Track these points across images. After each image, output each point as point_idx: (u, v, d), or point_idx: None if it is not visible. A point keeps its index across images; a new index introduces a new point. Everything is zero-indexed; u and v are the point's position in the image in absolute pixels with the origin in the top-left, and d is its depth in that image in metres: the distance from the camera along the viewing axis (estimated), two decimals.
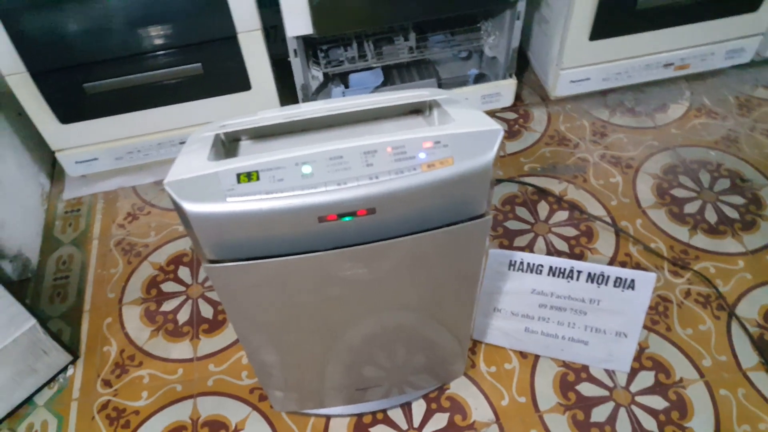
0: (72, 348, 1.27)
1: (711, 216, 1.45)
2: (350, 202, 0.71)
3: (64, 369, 1.26)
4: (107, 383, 1.24)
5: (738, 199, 1.48)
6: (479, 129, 0.74)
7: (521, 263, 1.17)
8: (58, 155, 1.52)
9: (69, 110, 1.41)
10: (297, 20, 1.30)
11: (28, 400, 1.22)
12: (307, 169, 0.71)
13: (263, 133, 0.86)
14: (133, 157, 1.55)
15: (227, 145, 0.85)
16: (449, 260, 0.85)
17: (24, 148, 1.55)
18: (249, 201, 0.70)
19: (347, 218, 0.72)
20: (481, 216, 0.79)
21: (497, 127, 0.74)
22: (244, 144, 0.86)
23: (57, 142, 1.49)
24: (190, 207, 0.69)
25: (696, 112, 1.71)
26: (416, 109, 0.89)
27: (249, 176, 0.71)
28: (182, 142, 1.54)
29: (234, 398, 1.20)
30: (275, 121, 0.82)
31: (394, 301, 0.90)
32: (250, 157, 0.72)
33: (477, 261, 0.88)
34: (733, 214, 1.45)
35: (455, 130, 0.74)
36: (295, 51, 1.40)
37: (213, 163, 0.73)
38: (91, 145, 1.51)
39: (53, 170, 1.68)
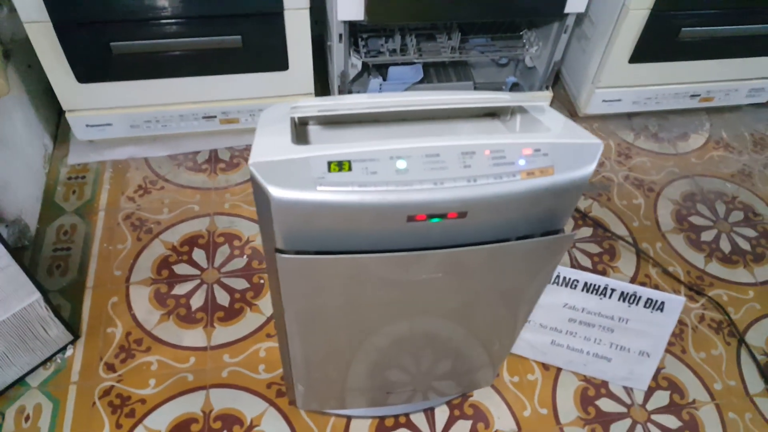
0: (73, 327, 1.18)
1: (725, 246, 1.47)
2: (445, 203, 0.67)
3: (63, 349, 1.17)
4: (110, 367, 1.16)
5: (750, 232, 1.51)
6: (580, 141, 0.71)
7: (557, 277, 1.16)
8: (68, 116, 1.41)
9: (89, 69, 1.31)
10: (350, 4, 1.25)
11: (20, 381, 1.13)
12: (401, 164, 0.66)
13: (333, 120, 0.81)
14: (150, 127, 1.45)
15: (298, 128, 0.80)
16: (522, 273, 0.82)
17: (30, 105, 1.44)
18: (340, 192, 0.65)
19: (436, 219, 0.69)
20: (562, 231, 0.77)
21: (598, 141, 0.72)
22: (313, 129, 0.81)
23: (69, 101, 1.38)
24: (276, 192, 0.64)
25: (714, 144, 1.74)
26: (491, 113, 0.85)
27: (340, 165, 0.66)
28: (206, 117, 1.46)
29: (250, 392, 1.14)
30: (355, 110, 0.77)
31: (453, 308, 0.87)
32: (340, 146, 0.67)
33: (547, 276, 0.85)
34: (745, 245, 1.48)
35: (555, 139, 0.71)
36: (340, 36, 1.34)
37: (300, 147, 0.67)
38: (106, 108, 1.40)
39: (57, 131, 1.57)
